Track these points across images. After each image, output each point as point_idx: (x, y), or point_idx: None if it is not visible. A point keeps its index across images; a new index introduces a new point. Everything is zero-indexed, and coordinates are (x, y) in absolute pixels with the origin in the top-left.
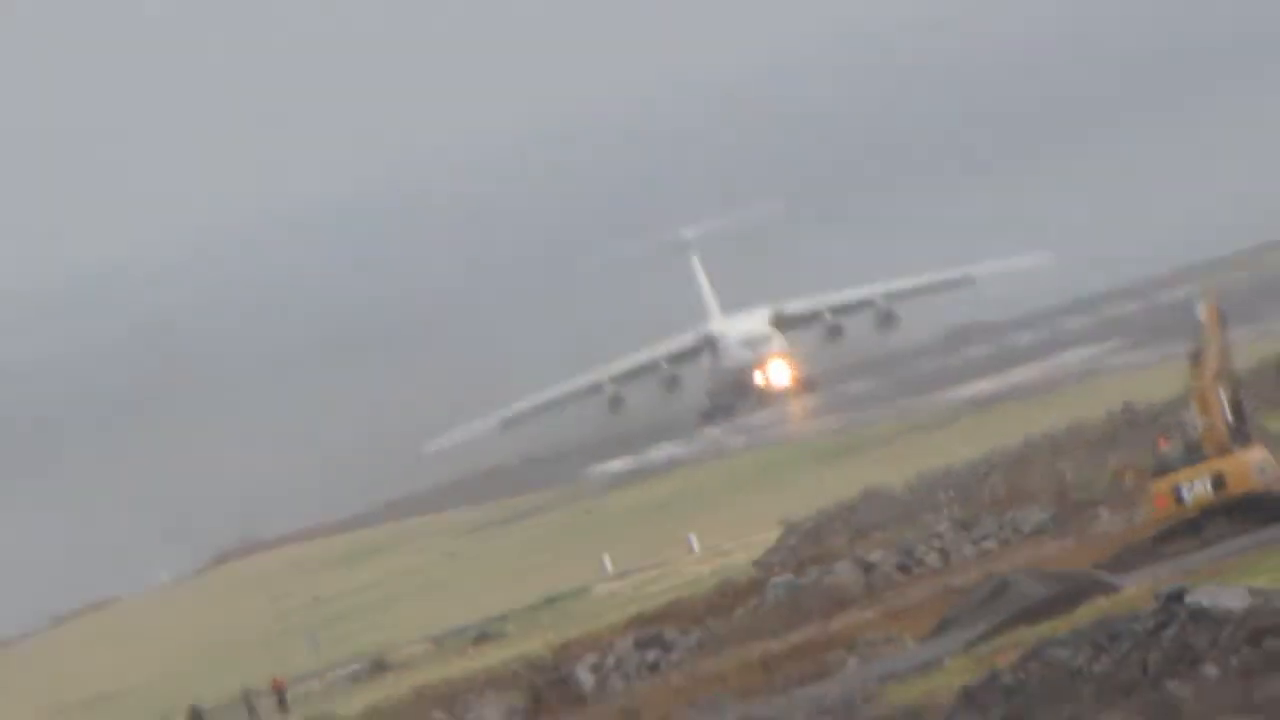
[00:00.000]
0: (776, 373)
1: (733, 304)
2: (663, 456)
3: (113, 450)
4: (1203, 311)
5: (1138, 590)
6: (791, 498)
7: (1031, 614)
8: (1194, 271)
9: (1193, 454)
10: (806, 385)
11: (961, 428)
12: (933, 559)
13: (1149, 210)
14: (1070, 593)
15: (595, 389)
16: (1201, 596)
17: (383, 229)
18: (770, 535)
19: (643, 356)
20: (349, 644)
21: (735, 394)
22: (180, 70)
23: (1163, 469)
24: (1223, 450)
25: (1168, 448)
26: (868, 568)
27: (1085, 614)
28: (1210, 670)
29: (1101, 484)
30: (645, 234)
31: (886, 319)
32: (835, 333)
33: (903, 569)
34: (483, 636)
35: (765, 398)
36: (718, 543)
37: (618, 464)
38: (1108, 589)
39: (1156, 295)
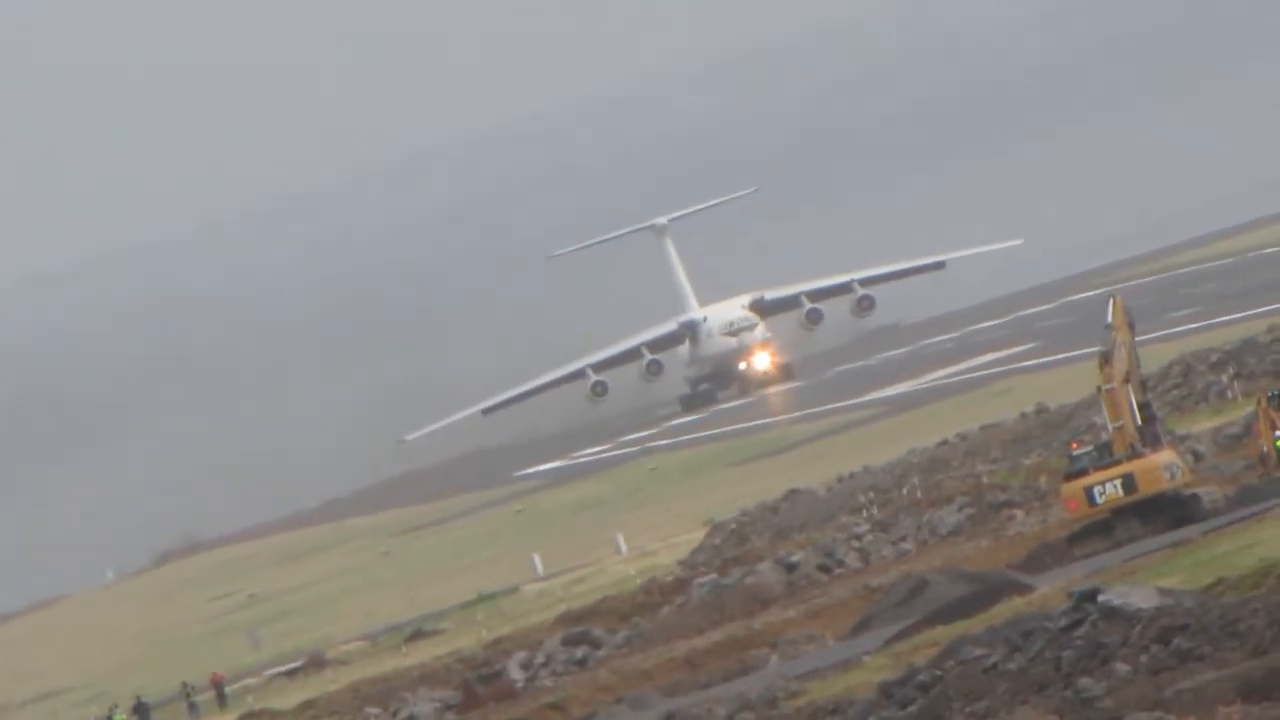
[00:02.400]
0: (758, 359)
1: (707, 290)
2: (590, 457)
3: (58, 449)
4: (1111, 313)
5: (1051, 590)
6: (716, 499)
7: (948, 613)
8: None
9: (1104, 456)
10: (786, 372)
11: (880, 429)
12: (853, 559)
13: (1121, 195)
14: (986, 592)
15: (576, 377)
16: (1113, 596)
17: (350, 220)
18: (695, 536)
19: (623, 344)
20: (287, 641)
21: (716, 381)
22: (175, 55)
23: (1075, 471)
24: (1133, 452)
25: (1080, 450)
26: (789, 568)
27: (1000, 613)
28: (1121, 668)
29: (1016, 485)
30: (619, 221)
31: (864, 304)
32: (814, 318)
33: (823, 569)
34: (417, 634)
35: (746, 384)
36: (644, 543)
37: (547, 465)
38: (1022, 589)
39: (1069, 296)
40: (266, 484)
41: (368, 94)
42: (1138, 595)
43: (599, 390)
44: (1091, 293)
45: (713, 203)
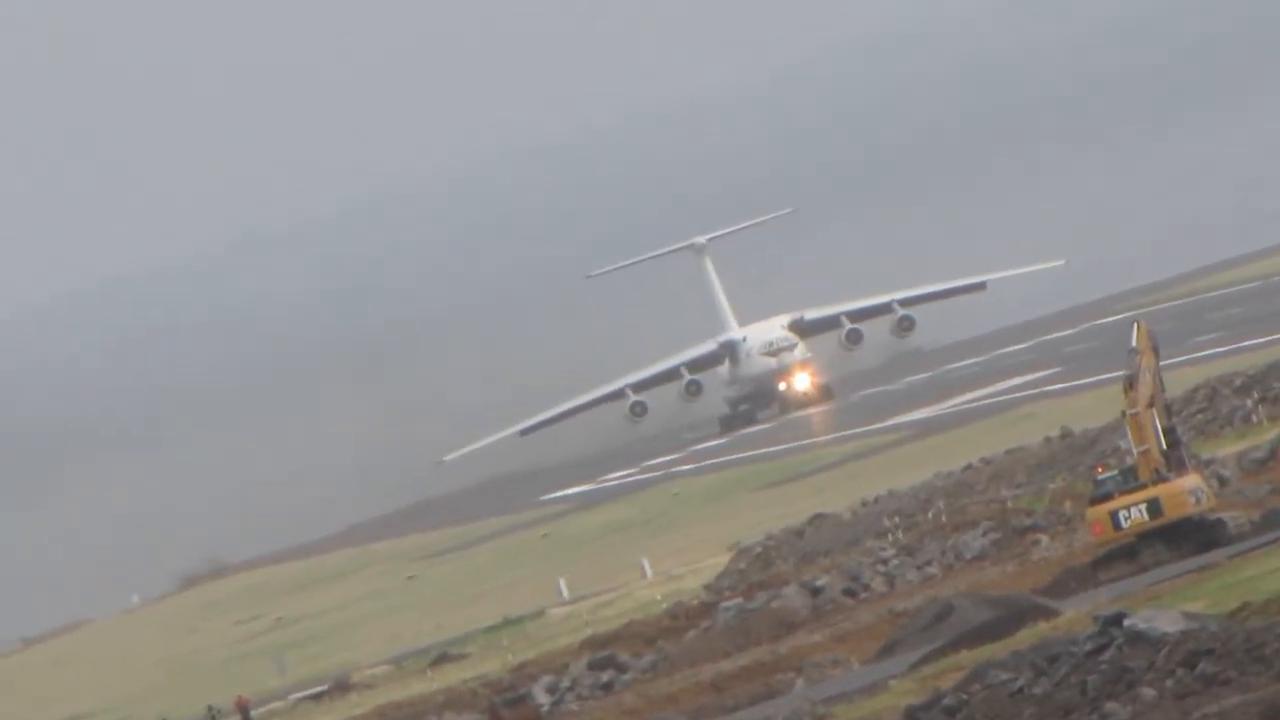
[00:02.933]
0: (798, 380)
1: (746, 310)
2: (615, 482)
3: (84, 475)
4: (1136, 338)
5: (1077, 614)
6: (741, 523)
7: (973, 637)
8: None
9: (1129, 481)
10: (826, 392)
11: (905, 454)
12: (878, 583)
13: (1158, 215)
14: (1011, 616)
15: (615, 397)
16: (1139, 620)
17: (386, 240)
18: (721, 560)
19: (662, 364)
20: (313, 665)
21: (756, 401)
22: (178, 85)
23: (1100, 495)
24: (1158, 477)
25: (1105, 474)
26: (815, 592)
27: (1026, 637)
28: (1147, 692)
29: (1041, 510)
30: (659, 242)
31: (904, 324)
32: (854, 338)
33: (849, 593)
34: (442, 657)
35: (786, 405)
36: (670, 567)
37: (572, 489)
38: (1048, 613)
39: (1094, 321)
40: (291, 508)
41: (407, 111)
42: (1163, 620)
43: (638, 410)
44: (1116, 317)
45: (752, 222)
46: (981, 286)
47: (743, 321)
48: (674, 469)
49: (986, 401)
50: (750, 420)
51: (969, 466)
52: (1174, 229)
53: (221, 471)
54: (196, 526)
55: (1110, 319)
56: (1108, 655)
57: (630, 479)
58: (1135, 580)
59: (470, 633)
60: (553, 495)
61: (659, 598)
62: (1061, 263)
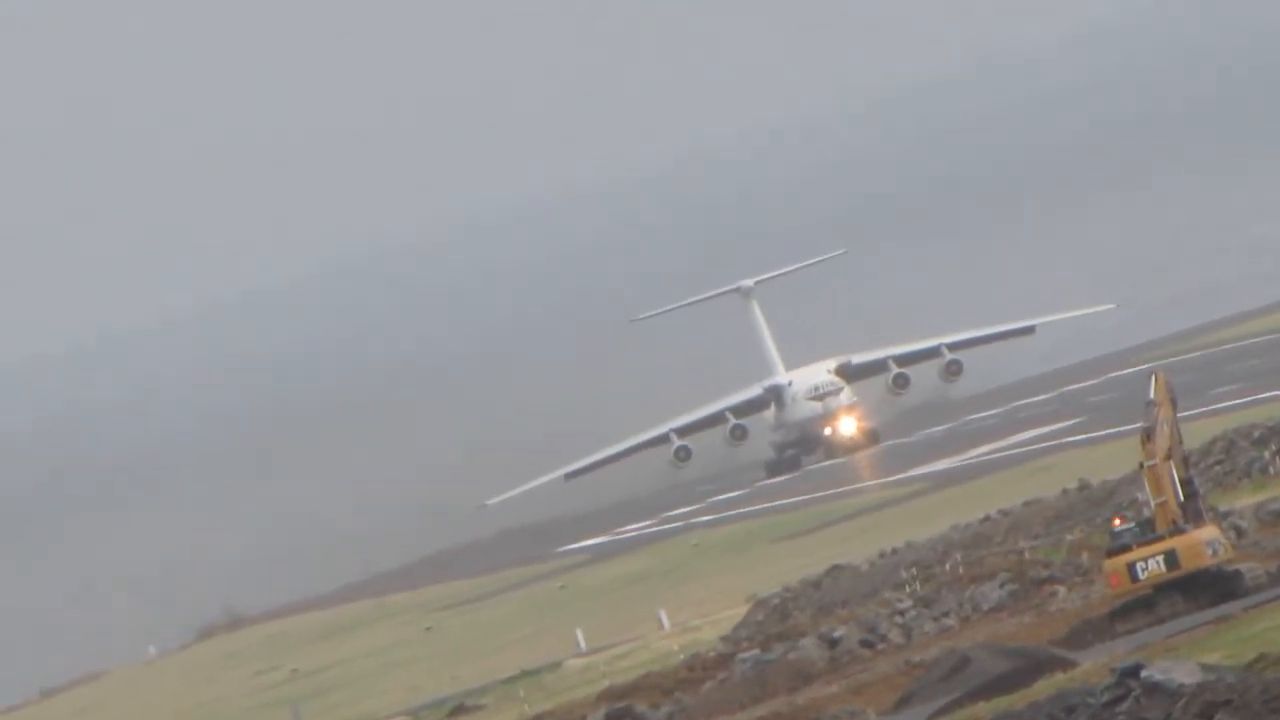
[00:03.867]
0: (843, 425)
1: (793, 353)
2: (633, 533)
3: (102, 526)
4: (1154, 389)
5: (1094, 665)
6: (758, 574)
7: (991, 689)
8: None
9: (1146, 532)
10: (872, 437)
11: (922, 505)
12: (895, 635)
13: (1214, 256)
14: (1028, 668)
15: (659, 441)
16: (1156, 672)
17: (429, 282)
18: (738, 611)
19: (707, 409)
20: (331, 716)
21: (801, 446)
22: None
23: (1117, 547)
24: (1175, 528)
25: (1122, 526)
26: (832, 643)
27: (1043, 688)
28: None
29: (1058, 561)
30: (705, 285)
31: (952, 369)
32: (901, 383)
33: (866, 644)
34: (459, 709)
35: (832, 450)
36: (687, 619)
37: (589, 541)
38: (1065, 664)
39: (1112, 372)
40: (310, 559)
41: (455, 155)
42: (1180, 671)
43: (682, 455)
44: (1134, 369)
45: (802, 264)
46: (1031, 330)
47: (789, 365)
48: (692, 520)
49: (1004, 454)
50: (796, 465)
51: (986, 518)
52: (1213, 273)
53: (239, 522)
54: (215, 577)
55: (1128, 370)
56: (1125, 706)
57: (648, 530)
58: (1152, 632)
59: (488, 684)
60: (570, 546)
61: (676, 649)
62: (1112, 306)
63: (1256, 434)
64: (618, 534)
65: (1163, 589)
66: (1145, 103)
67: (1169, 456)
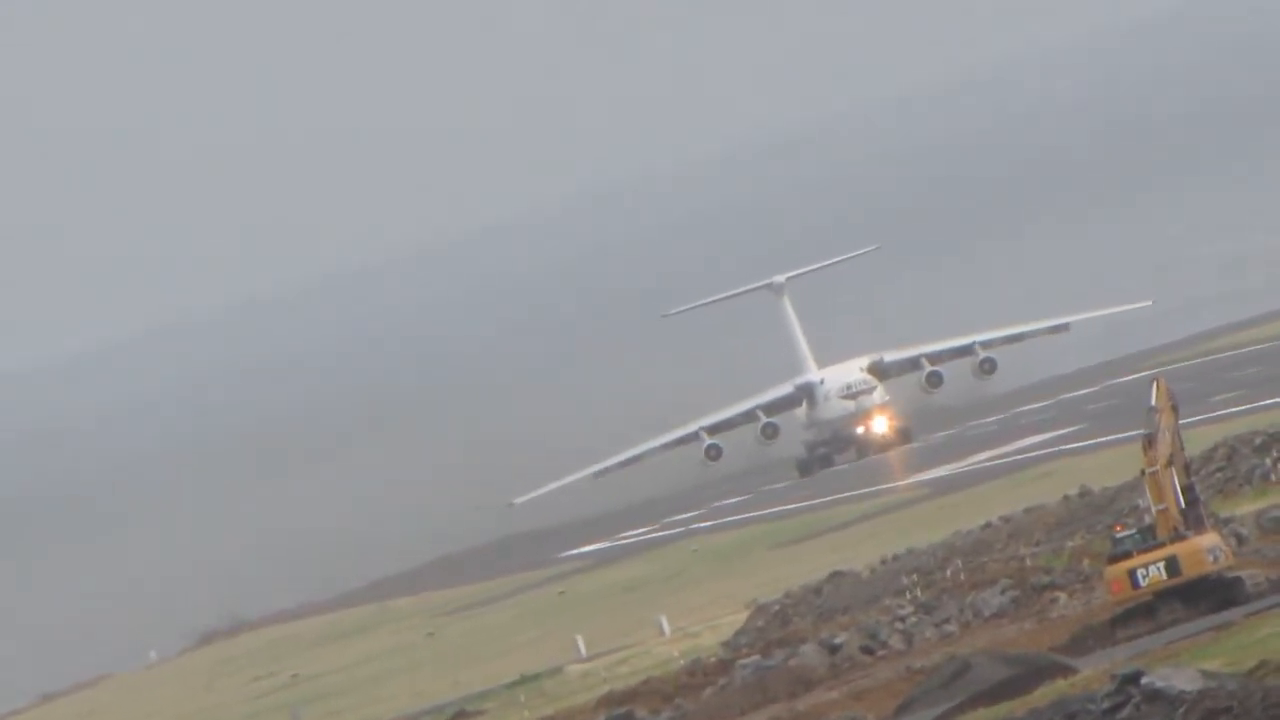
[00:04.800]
0: (876, 423)
1: (825, 351)
2: (633, 539)
3: (104, 532)
4: (1155, 396)
5: (1095, 672)
6: (759, 580)
7: (991, 695)
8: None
9: (1147, 539)
10: (904, 436)
11: (923, 512)
12: (896, 641)
13: (1249, 255)
14: (1029, 674)
15: (689, 440)
16: (1156, 679)
17: (457, 281)
18: (738, 617)
19: (738, 407)
20: None
21: (833, 445)
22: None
23: (1118, 554)
24: (1176, 535)
25: (1123, 533)
26: (833, 649)
27: (1043, 695)
28: None
29: (1059, 568)
30: (737, 280)
31: (985, 366)
32: (935, 381)
33: (867, 650)
34: (460, 714)
35: (864, 448)
36: (687, 624)
37: (590, 547)
38: (1065, 671)
39: (1113, 379)
40: (310, 564)
41: (484, 156)
42: (1181, 678)
43: (713, 454)
44: (1136, 375)
45: (834, 260)
46: (1065, 328)
47: (821, 363)
48: (693, 526)
49: (1005, 460)
50: (828, 464)
51: (988, 525)
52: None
53: (240, 526)
54: (216, 582)
55: (1130, 377)
56: (1125, 713)
57: (649, 536)
58: (1153, 638)
59: (489, 690)
60: (571, 552)
61: (677, 655)
62: (1148, 304)
63: (1258, 441)
64: (619, 539)
65: (1164, 596)
66: (1160, 105)
67: (1170, 463)
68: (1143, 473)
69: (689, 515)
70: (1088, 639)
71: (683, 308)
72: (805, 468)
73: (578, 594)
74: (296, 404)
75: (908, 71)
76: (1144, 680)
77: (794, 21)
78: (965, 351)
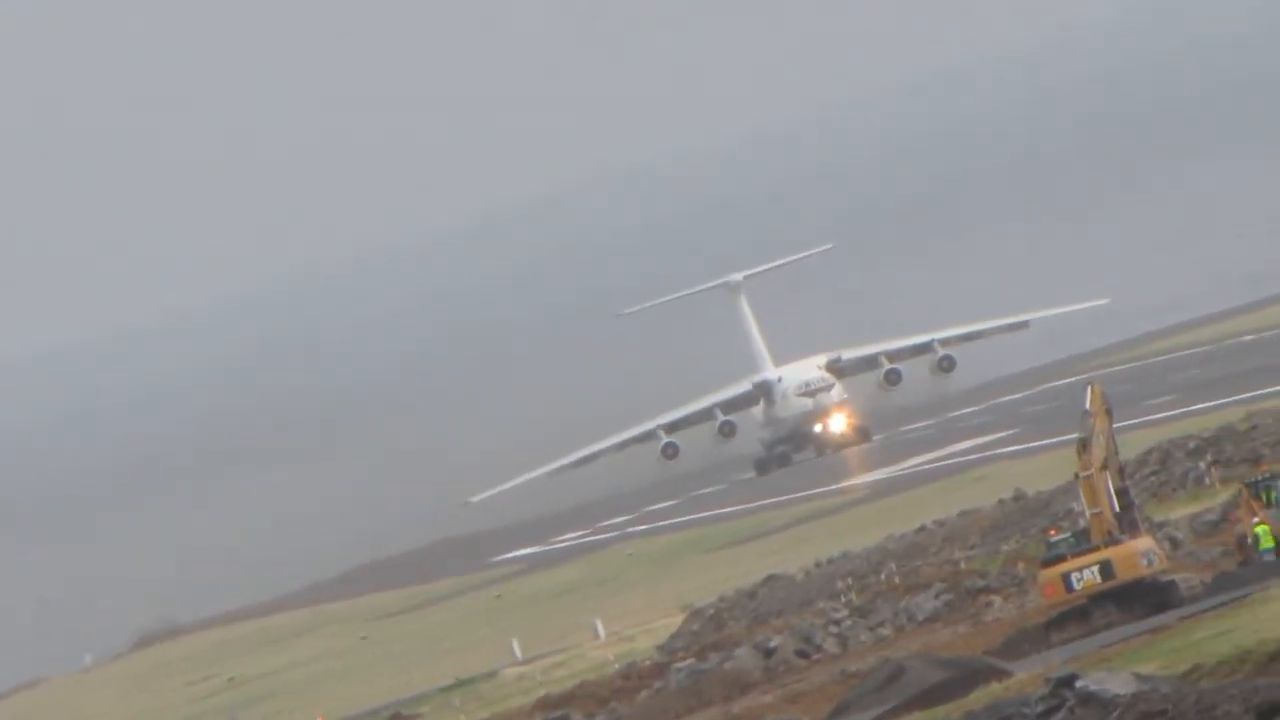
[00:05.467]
0: (834, 422)
1: (783, 349)
2: (568, 542)
3: (37, 535)
4: (1089, 400)
5: (1029, 676)
6: (693, 584)
7: (926, 698)
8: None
9: (1082, 543)
10: (863, 434)
11: (858, 515)
12: (831, 644)
13: (1206, 253)
14: (963, 678)
15: (647, 438)
16: (1091, 682)
17: (418, 283)
18: (673, 621)
19: (695, 405)
20: None
21: (791, 443)
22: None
23: (1052, 557)
24: (1110, 539)
25: (1057, 536)
26: (768, 652)
27: (978, 698)
28: None
29: (994, 572)
30: (693, 279)
31: (944, 364)
32: (893, 379)
33: (801, 654)
34: (396, 717)
35: (822, 447)
36: (622, 628)
37: (524, 550)
38: (1000, 674)
39: (1048, 383)
40: (245, 568)
41: (441, 156)
42: (1115, 681)
43: (670, 452)
44: (1070, 380)
45: (789, 259)
46: (1025, 325)
47: (779, 361)
48: (627, 530)
49: (940, 464)
50: (786, 462)
51: (922, 528)
52: (1212, 270)
53: (175, 532)
54: (150, 587)
55: (1064, 381)
56: (1060, 717)
57: (583, 540)
58: (1087, 642)
59: (424, 693)
60: (505, 556)
61: (612, 658)
62: (1106, 301)
63: (1192, 445)
64: (553, 543)
65: (1098, 599)
66: (1140, 101)
67: (1105, 467)
68: (1077, 476)
69: (623, 519)
70: (1022, 642)
71: (638, 306)
72: (763, 466)
73: (513, 597)
74: (242, 407)
75: (863, 72)
76: (1078, 684)
77: (759, 20)
78: (924, 349)
